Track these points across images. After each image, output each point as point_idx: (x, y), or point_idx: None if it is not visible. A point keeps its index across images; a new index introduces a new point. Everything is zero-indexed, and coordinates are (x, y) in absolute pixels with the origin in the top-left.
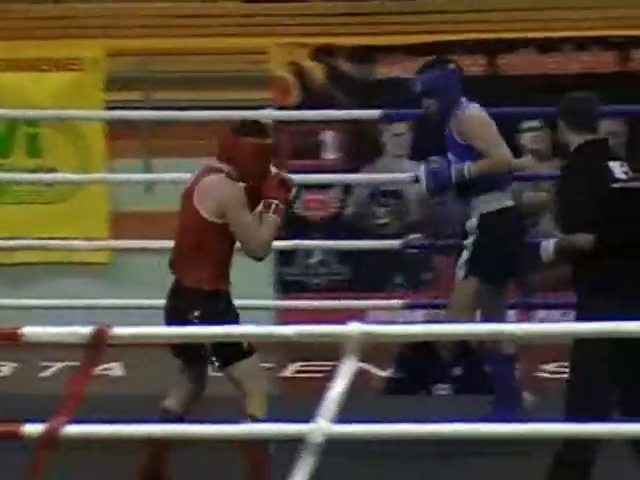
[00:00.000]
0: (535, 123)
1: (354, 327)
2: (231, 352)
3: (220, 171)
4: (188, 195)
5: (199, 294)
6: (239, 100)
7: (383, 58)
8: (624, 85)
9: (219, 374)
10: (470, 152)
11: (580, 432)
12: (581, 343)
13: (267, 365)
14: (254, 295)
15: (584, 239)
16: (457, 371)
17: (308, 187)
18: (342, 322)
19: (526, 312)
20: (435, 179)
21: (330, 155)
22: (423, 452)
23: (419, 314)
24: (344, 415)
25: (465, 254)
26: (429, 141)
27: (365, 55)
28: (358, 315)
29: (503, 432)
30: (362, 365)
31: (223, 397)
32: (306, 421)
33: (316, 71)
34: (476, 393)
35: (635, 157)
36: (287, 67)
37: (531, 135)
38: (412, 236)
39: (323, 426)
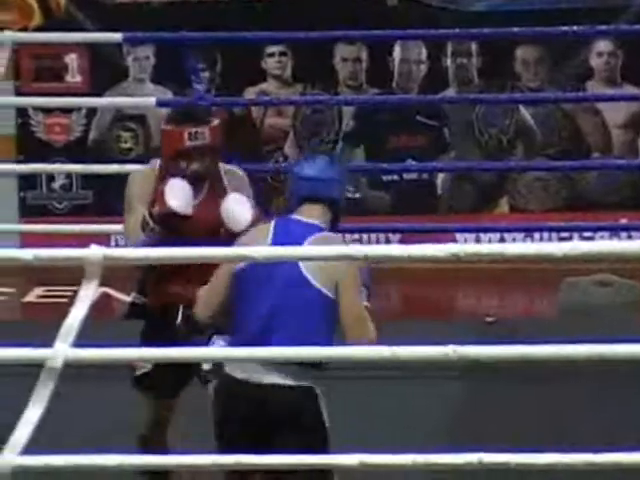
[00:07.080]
0: None
1: (94, 250)
2: None
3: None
4: None
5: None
6: None
7: None
8: None
9: None
10: None
11: None
12: None
13: (9, 290)
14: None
15: None
16: None
17: (51, 111)
18: (85, 246)
19: None
20: None
21: (73, 78)
22: None
23: None
24: (86, 339)
25: None
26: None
27: None
28: (102, 240)
29: None
30: (106, 289)
31: None
32: (47, 346)
33: None
34: None
35: None
36: None
37: None
38: None
39: (62, 350)
